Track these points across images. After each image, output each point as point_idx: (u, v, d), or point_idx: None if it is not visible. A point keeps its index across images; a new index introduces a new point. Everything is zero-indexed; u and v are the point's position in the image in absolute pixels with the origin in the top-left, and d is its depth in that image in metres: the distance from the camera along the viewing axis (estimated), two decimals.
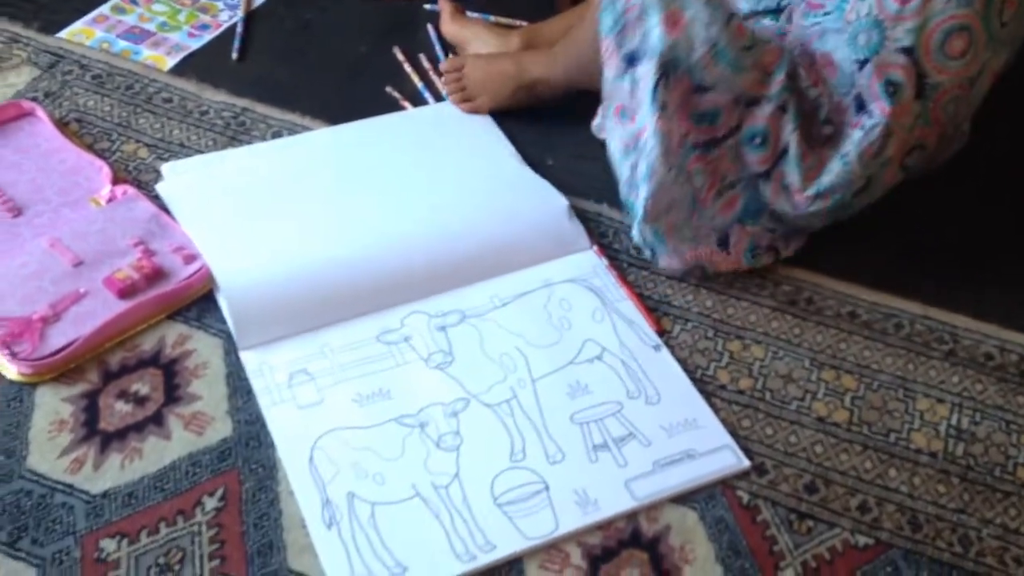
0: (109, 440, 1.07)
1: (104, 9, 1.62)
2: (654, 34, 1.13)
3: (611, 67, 1.17)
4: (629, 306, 1.25)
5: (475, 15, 1.62)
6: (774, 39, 1.21)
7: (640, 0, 1.13)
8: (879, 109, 1.16)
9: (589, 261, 1.30)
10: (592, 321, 1.23)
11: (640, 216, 1.22)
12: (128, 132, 1.41)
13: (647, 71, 1.14)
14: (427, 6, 1.66)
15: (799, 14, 1.22)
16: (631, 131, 1.19)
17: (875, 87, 1.16)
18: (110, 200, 1.29)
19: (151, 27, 1.59)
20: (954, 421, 1.17)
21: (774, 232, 1.28)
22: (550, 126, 1.47)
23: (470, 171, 1.39)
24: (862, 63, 1.16)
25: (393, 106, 1.50)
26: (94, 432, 1.08)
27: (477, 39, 1.50)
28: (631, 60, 1.16)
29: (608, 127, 1.22)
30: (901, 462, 1.13)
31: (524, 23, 1.59)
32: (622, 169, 1.22)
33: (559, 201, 1.33)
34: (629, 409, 1.15)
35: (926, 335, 1.25)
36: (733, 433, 1.13)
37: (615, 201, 1.37)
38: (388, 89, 1.52)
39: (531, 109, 1.45)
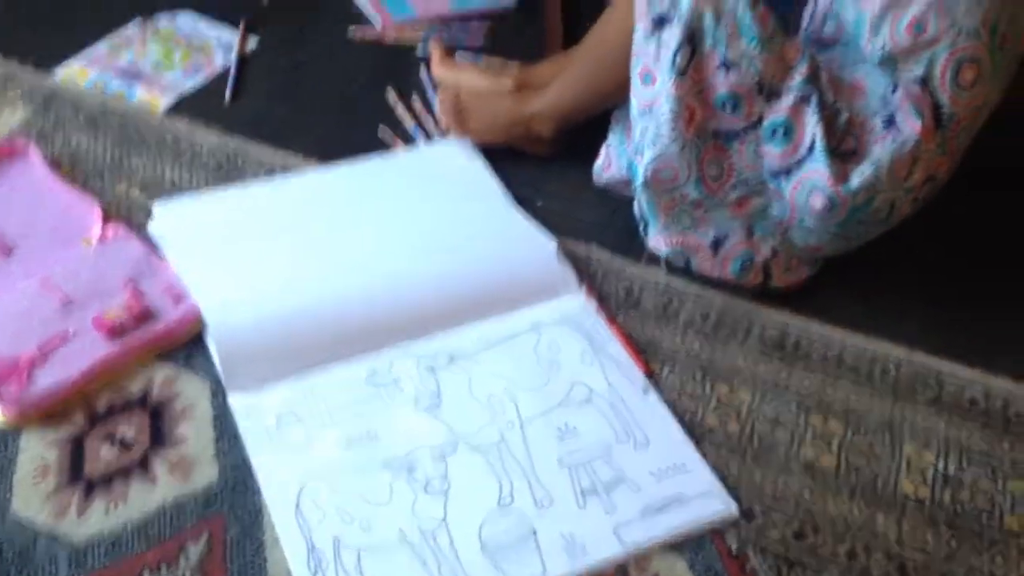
0: (94, 485, 1.07)
1: (100, 48, 1.63)
2: (684, 1, 1.16)
3: (641, 27, 1.20)
4: (618, 347, 1.25)
5: (468, 56, 1.64)
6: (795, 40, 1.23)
7: None
8: (911, 127, 1.17)
9: (578, 303, 1.30)
10: (581, 363, 1.23)
11: (640, 181, 1.24)
12: (120, 171, 1.42)
13: (672, 35, 1.17)
14: (418, 54, 1.67)
15: (813, 50, 1.24)
16: (650, 95, 1.21)
17: (906, 107, 1.18)
18: (101, 239, 1.30)
19: (146, 67, 1.60)
20: (940, 467, 1.17)
21: (776, 254, 1.29)
22: (541, 167, 1.47)
23: (460, 212, 1.40)
24: (895, 87, 1.19)
25: (385, 147, 1.51)
26: (79, 477, 1.07)
27: (470, 81, 1.51)
28: (660, 23, 1.18)
29: (632, 88, 1.24)
30: (888, 508, 1.13)
31: (514, 65, 1.60)
32: (635, 131, 1.25)
33: (548, 243, 1.34)
34: (618, 453, 1.14)
35: (912, 380, 1.25)
36: (722, 478, 1.13)
37: (604, 241, 1.38)
38: (380, 129, 1.53)
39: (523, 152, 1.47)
